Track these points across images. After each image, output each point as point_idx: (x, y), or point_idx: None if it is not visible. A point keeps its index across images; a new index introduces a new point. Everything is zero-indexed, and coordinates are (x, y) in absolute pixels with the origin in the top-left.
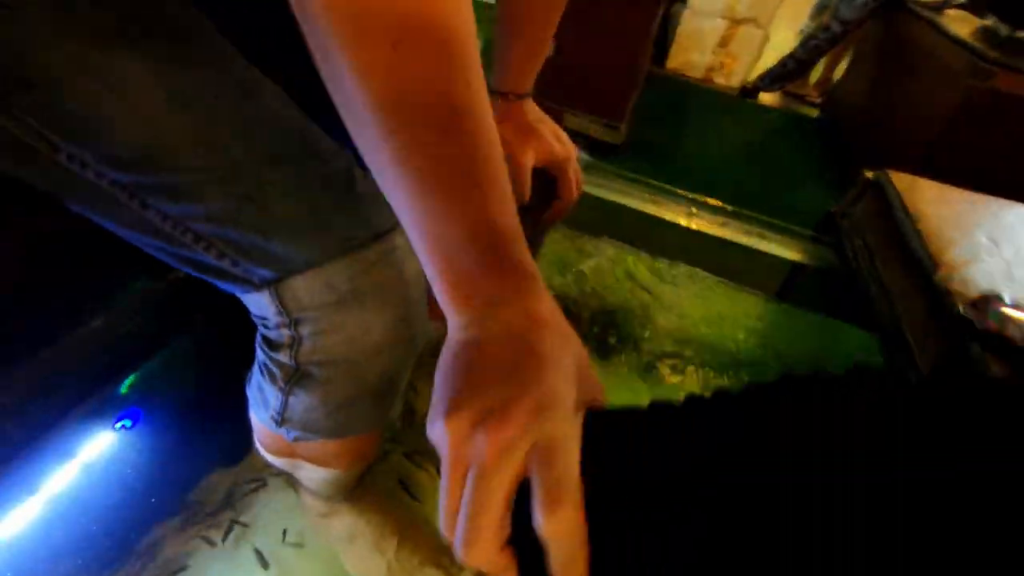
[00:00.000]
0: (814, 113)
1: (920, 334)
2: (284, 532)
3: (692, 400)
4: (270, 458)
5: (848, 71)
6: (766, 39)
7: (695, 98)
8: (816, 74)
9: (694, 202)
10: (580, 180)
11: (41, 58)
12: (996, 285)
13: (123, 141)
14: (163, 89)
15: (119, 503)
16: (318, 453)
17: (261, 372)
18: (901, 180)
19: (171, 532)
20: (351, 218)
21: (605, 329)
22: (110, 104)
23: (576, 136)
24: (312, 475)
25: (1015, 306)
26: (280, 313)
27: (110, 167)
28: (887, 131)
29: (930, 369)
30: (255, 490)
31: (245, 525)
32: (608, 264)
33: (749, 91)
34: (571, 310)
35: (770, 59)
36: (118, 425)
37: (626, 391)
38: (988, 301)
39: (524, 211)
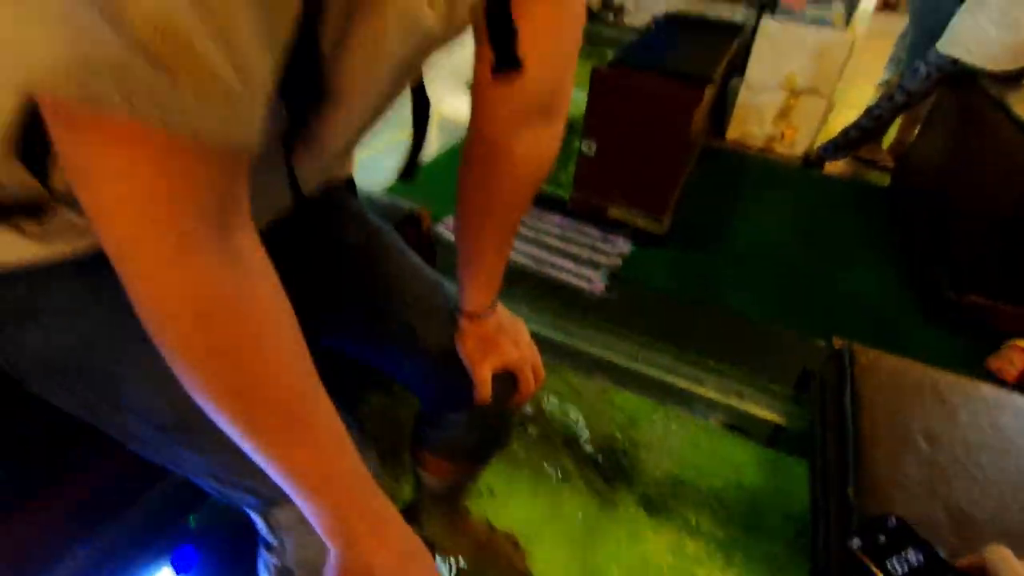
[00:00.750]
0: (885, 181)
1: (833, 545)
2: None
3: None
4: None
5: (919, 137)
6: (830, 107)
7: (752, 172)
8: (891, 137)
9: (676, 356)
10: (540, 375)
11: (101, 352)
12: (908, 504)
13: (158, 412)
14: None
15: None
16: None
17: (263, 564)
18: (864, 356)
19: None
20: None
21: (598, 466)
22: (150, 389)
23: (620, 227)
24: None
25: (910, 538)
26: (267, 529)
27: (148, 428)
28: (953, 212)
29: None
30: None
31: None
32: (601, 403)
33: (813, 161)
34: (568, 445)
35: (841, 120)
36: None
37: (624, 528)
38: (877, 528)
39: (492, 403)
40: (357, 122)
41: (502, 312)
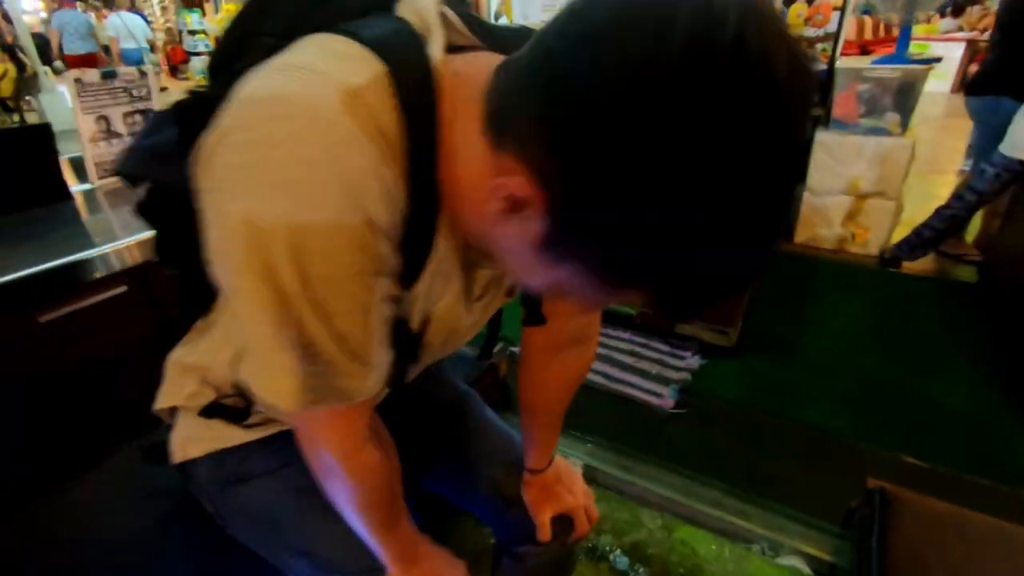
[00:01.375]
0: (973, 276)
1: None
2: None
3: None
4: None
5: (1004, 231)
6: (900, 207)
7: (825, 274)
8: (974, 229)
9: (724, 491)
10: (594, 516)
11: (288, 509)
12: None
13: (328, 559)
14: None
15: None
16: None
17: None
18: (899, 497)
19: None
20: None
21: None
22: (323, 542)
23: (688, 341)
24: None
25: None
26: None
27: (311, 569)
28: None
29: None
30: None
31: None
32: (659, 532)
33: (889, 260)
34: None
35: (916, 214)
36: None
37: None
38: None
39: (552, 540)
40: (440, 354)
41: (560, 464)
